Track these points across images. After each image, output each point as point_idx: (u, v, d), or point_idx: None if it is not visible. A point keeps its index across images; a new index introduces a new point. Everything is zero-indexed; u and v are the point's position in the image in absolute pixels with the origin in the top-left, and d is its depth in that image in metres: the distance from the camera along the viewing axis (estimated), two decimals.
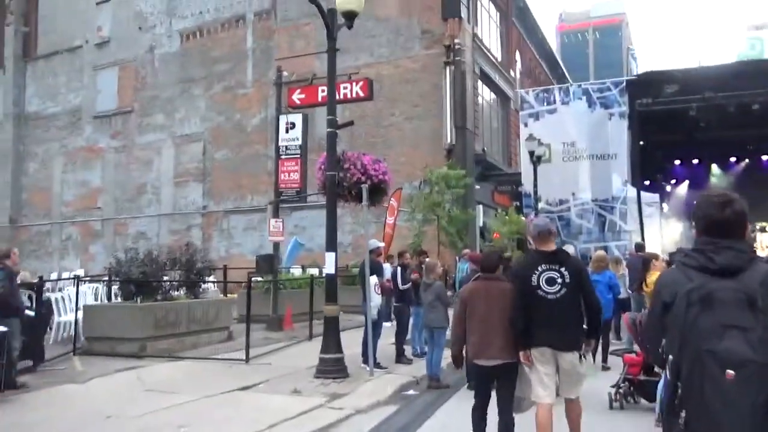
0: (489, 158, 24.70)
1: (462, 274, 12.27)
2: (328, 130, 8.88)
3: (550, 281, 4.84)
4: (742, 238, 2.42)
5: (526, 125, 21.17)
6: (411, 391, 7.94)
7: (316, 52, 12.75)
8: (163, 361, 9.58)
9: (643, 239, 19.75)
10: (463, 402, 7.16)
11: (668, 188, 25.29)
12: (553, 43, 57.66)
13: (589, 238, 20.30)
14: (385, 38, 23.67)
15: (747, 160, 23.45)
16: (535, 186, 19.42)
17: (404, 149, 22.41)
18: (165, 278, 11.02)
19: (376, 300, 8.80)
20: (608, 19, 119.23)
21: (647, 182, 22.45)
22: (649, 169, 22.27)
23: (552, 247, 5.09)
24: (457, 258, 14.85)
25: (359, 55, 22.64)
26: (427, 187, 15.81)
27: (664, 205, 24.58)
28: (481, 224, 21.77)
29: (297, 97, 13.13)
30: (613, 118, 20.02)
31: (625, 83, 20.14)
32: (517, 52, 30.65)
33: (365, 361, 8.74)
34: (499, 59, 27.44)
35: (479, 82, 24.92)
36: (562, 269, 4.88)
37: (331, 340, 8.37)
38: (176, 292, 11.17)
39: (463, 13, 23.09)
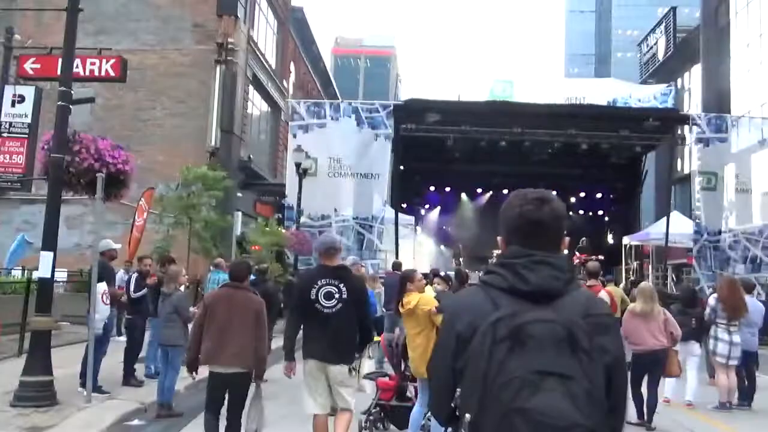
0: (254, 166, 23.83)
1: (214, 285, 11.19)
2: (60, 103, 7.37)
3: (328, 296, 4.96)
4: (559, 250, 1.83)
5: (295, 136, 20.70)
6: (135, 421, 6.75)
7: (56, 9, 10.70)
8: None
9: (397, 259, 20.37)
10: None
11: (422, 212, 26.65)
12: (328, 64, 58.77)
13: (347, 255, 20.37)
14: (153, 25, 21.71)
15: (491, 192, 25.56)
16: (299, 199, 18.99)
17: (163, 147, 20.59)
18: None
19: (102, 311, 7.44)
20: (379, 50, 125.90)
21: (404, 205, 23.37)
22: (407, 192, 23.22)
23: (336, 262, 5.20)
24: (210, 267, 13.68)
25: (122, 39, 20.45)
26: (183, 188, 14.41)
27: (418, 227, 25.84)
28: (239, 233, 20.75)
29: (30, 66, 11.06)
30: (379, 139, 20.41)
31: (392, 107, 20.66)
32: (292, 64, 30.35)
33: (84, 384, 7.32)
34: (273, 67, 26.83)
35: (250, 87, 24.03)
36: (341, 285, 4.99)
37: (38, 359, 6.83)
38: None
39: (240, 13, 22.08)
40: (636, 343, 6.82)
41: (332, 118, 20.59)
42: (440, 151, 21.64)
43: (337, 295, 4.93)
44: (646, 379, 6.95)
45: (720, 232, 20.57)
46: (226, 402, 5.13)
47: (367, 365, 7.06)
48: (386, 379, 6.13)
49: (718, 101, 32.26)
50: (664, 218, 22.64)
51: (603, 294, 6.88)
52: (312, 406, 4.98)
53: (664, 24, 41.82)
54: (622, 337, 7.00)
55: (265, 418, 5.26)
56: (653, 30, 43.88)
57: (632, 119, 20.45)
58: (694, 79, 38.10)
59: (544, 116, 20.28)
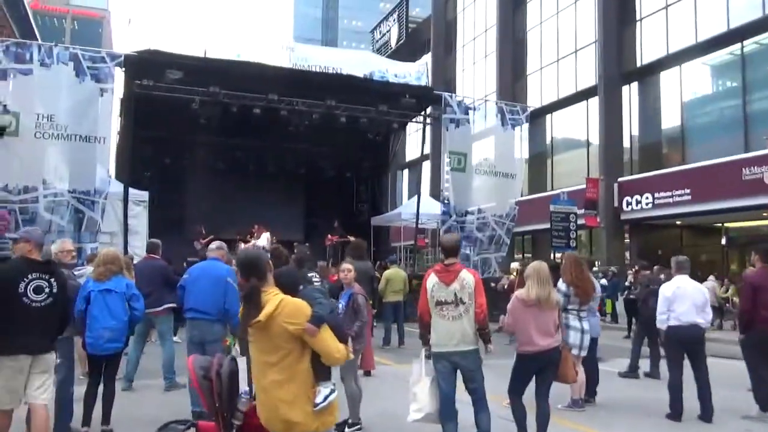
0: None
1: None
2: None
3: (38, 290, 4.98)
4: None
5: None
6: None
7: None
8: None
9: (126, 242, 16.96)
10: None
11: (157, 186, 22.79)
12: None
13: (62, 238, 16.25)
14: None
15: (235, 169, 22.82)
16: None
17: None
18: None
19: None
20: (89, 11, 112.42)
21: (135, 177, 19.71)
22: (139, 162, 19.62)
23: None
24: None
25: None
26: None
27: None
28: None
29: None
30: (106, 96, 16.59)
31: (123, 58, 16.96)
32: None
33: None
34: None
35: None
36: (52, 279, 5.07)
37: None
38: None
39: None
40: (524, 342, 5.28)
41: (42, 64, 16.13)
42: (182, 116, 18.56)
43: (47, 290, 4.99)
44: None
45: (467, 213, 20.89)
46: None
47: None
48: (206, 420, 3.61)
49: (445, 90, 33.88)
50: (415, 198, 22.58)
51: (465, 273, 5.17)
52: (5, 399, 4.85)
53: (397, 13, 43.10)
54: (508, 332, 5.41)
55: None
56: (386, 18, 45.06)
57: (390, 95, 19.68)
58: None
59: (303, 84, 18.49)
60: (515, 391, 5.44)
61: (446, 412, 5.07)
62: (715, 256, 23.77)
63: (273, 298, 3.21)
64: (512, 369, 5.54)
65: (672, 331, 6.83)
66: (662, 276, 10.99)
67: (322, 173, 23.28)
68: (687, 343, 6.79)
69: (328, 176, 23.30)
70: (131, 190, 17.73)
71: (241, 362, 3.83)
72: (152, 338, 10.00)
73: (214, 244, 6.84)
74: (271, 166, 22.40)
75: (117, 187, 17.41)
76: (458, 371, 5.16)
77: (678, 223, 23.86)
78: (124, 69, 17.03)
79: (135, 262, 10.18)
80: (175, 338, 9.56)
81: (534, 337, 5.25)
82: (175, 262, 12.97)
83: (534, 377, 5.43)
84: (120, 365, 6.54)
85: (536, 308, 5.25)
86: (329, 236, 20.99)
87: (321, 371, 3.26)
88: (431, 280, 5.20)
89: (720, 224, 23.09)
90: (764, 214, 20.06)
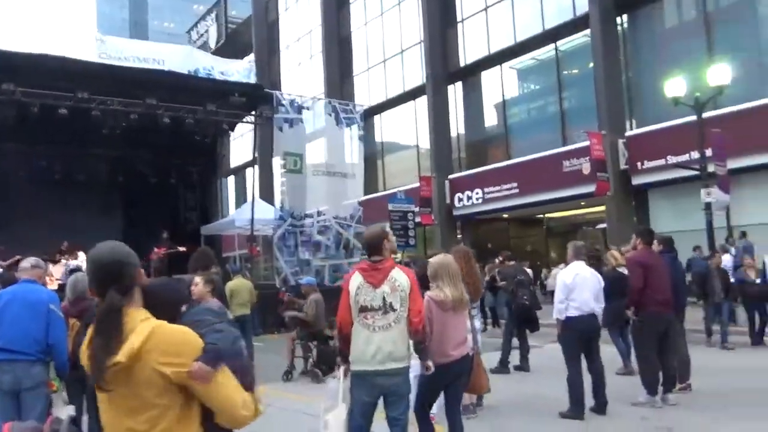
0: None
1: None
2: None
3: None
4: None
5: None
6: None
7: None
8: None
9: None
10: None
11: None
12: None
13: None
14: None
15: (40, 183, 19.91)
16: None
17: None
18: None
19: None
20: None
21: None
22: None
23: None
24: None
25: None
26: None
27: None
28: None
29: None
30: None
31: None
32: None
33: None
34: None
35: None
36: None
37: None
38: None
39: None
40: (437, 352, 4.48)
41: None
42: None
43: None
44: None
45: (305, 216, 20.06)
46: None
47: None
48: None
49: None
50: (247, 204, 21.31)
51: (397, 272, 4.28)
52: None
53: (215, 13, 41.11)
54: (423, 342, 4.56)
55: None
56: (203, 18, 42.84)
57: (218, 93, 18.28)
58: None
59: (117, 81, 16.53)
60: (424, 409, 4.71)
61: None
62: (539, 246, 25.19)
63: (141, 324, 2.07)
64: (419, 385, 4.79)
65: (572, 321, 6.45)
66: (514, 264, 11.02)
67: (143, 180, 21.06)
68: (587, 334, 6.51)
69: (150, 183, 21.14)
70: None
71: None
72: None
73: (27, 262, 5.32)
74: (82, 174, 19.79)
75: None
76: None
77: (505, 216, 24.92)
78: None
79: None
80: None
81: (447, 346, 4.54)
82: None
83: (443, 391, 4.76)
84: None
85: (451, 312, 4.56)
86: (156, 249, 19.02)
87: None
88: (355, 280, 4.24)
89: (542, 215, 24.46)
90: (582, 203, 21.47)
